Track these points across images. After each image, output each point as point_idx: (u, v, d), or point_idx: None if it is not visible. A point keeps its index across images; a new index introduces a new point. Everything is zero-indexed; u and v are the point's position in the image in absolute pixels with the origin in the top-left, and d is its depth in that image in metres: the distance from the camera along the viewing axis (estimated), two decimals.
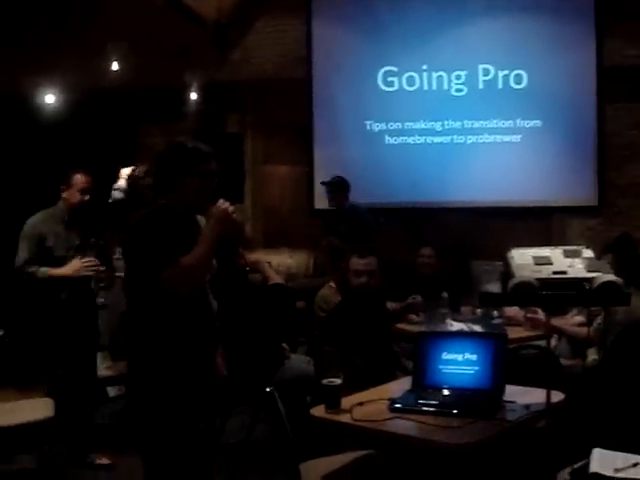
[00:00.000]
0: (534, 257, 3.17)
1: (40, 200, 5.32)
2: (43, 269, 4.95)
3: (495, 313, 5.71)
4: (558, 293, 3.08)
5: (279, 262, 8.46)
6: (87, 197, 5.13)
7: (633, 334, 4.13)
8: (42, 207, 5.10)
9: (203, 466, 3.42)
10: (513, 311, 5.64)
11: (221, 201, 3.29)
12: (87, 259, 5.00)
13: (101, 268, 5.06)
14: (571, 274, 3.10)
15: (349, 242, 6.76)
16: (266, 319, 5.45)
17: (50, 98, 8.49)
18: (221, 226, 3.26)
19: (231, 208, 3.28)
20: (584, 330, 4.80)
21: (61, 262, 5.00)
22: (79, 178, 5.11)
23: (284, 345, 5.62)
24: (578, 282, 3.08)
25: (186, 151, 3.37)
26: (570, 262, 3.15)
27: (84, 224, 5.18)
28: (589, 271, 3.11)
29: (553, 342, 5.15)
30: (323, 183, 7.94)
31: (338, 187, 7.75)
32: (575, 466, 3.14)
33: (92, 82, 8.53)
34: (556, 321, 5.01)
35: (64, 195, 5.10)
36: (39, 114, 8.46)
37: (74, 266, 4.97)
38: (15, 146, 9.00)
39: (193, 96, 8.76)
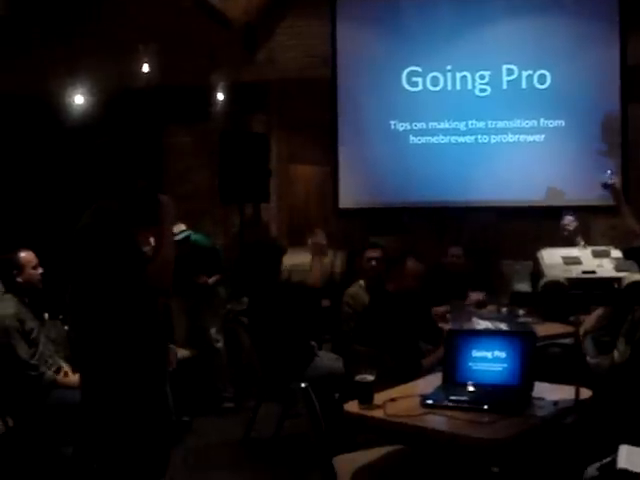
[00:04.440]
0: (564, 257, 3.24)
1: (70, 201, 5.37)
2: (49, 374, 4.92)
3: (520, 312, 5.79)
4: (587, 292, 3.14)
5: (303, 261, 8.53)
6: (41, 270, 5.13)
7: None
8: (73, 209, 5.07)
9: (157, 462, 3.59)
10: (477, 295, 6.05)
11: (164, 197, 3.54)
12: None
13: None
14: (600, 274, 3.18)
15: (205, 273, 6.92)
16: (295, 316, 5.54)
17: (79, 99, 8.62)
18: (173, 219, 3.60)
19: (172, 201, 3.58)
20: None
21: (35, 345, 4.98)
22: (26, 255, 5.08)
23: (312, 343, 5.71)
24: (607, 281, 3.14)
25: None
26: (599, 262, 3.22)
27: (38, 301, 5.18)
28: (618, 271, 3.17)
29: None
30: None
31: None
32: (603, 462, 3.19)
33: (119, 82, 8.65)
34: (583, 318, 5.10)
35: (20, 279, 5.02)
36: (67, 115, 8.59)
37: None
38: (43, 147, 9.15)
39: (219, 96, 8.84)
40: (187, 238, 6.79)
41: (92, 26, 8.63)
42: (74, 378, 4.82)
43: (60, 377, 4.98)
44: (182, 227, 6.75)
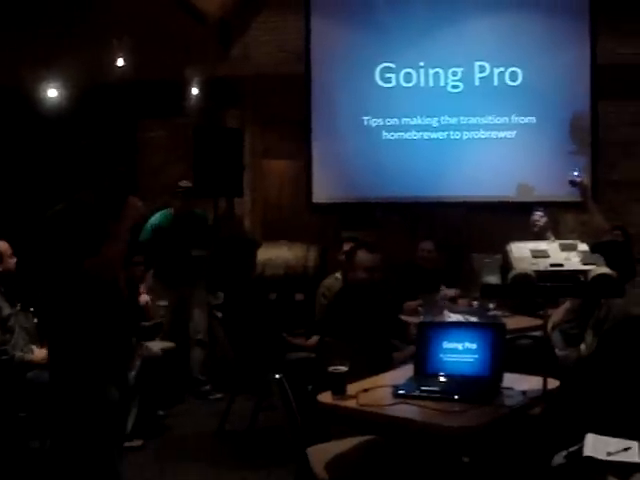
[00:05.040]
0: (532, 250, 3.31)
1: (43, 192, 5.39)
2: (18, 355, 5.04)
3: (491, 305, 5.89)
4: (555, 285, 3.22)
5: (277, 255, 8.59)
6: (15, 259, 5.25)
7: (628, 325, 4.26)
8: (45, 200, 5.06)
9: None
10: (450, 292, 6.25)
11: (133, 198, 3.65)
12: None
13: None
14: (567, 267, 3.25)
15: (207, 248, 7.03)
16: (269, 310, 5.60)
17: (52, 92, 8.59)
18: (134, 221, 3.67)
19: (141, 204, 3.69)
20: None
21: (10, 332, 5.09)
22: (2, 245, 5.19)
23: (285, 335, 5.78)
24: (574, 274, 3.22)
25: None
26: (566, 255, 3.29)
27: (12, 290, 5.29)
28: (584, 264, 3.25)
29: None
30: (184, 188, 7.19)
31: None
32: (570, 450, 3.28)
33: (93, 76, 8.62)
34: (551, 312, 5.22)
35: (0, 269, 5.14)
36: (41, 108, 8.56)
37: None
38: (17, 140, 9.11)
39: (193, 91, 8.85)
40: (189, 191, 7.05)
41: (67, 19, 8.60)
42: (40, 354, 4.91)
43: (27, 356, 5.05)
44: (189, 184, 7.11)
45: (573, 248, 3.33)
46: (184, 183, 7.13)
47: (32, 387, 4.92)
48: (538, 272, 3.18)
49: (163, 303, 6.93)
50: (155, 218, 7.04)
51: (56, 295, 3.60)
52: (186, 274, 6.94)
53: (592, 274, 3.18)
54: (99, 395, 3.54)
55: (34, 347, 5.17)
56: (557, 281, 3.22)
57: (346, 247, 6.36)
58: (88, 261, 3.44)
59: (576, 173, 6.00)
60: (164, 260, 6.95)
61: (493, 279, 4.43)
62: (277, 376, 3.49)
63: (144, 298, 6.69)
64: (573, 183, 5.96)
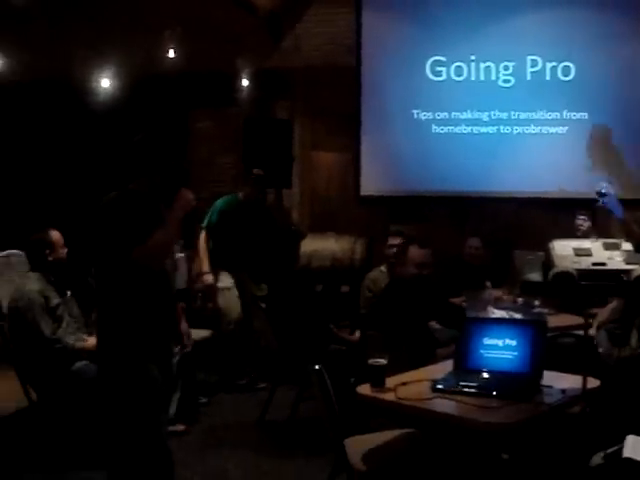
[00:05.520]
0: (575, 248, 3.29)
1: (95, 182, 5.48)
2: (71, 343, 5.10)
3: (536, 302, 5.85)
4: (597, 284, 3.20)
5: (324, 247, 8.62)
6: (66, 249, 5.30)
7: None
8: (98, 190, 5.14)
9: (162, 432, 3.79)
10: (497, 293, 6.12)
11: (185, 190, 3.65)
12: None
13: None
14: (610, 266, 3.22)
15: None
16: (311, 301, 5.64)
17: (104, 83, 8.73)
18: (184, 212, 3.64)
19: (192, 197, 3.68)
20: None
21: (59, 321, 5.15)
22: (55, 234, 5.24)
23: (332, 326, 5.82)
24: (616, 274, 3.20)
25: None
26: (609, 254, 3.27)
27: (63, 279, 5.35)
28: (627, 263, 3.23)
29: (591, 332, 5.26)
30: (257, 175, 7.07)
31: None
32: (608, 451, 3.26)
33: (145, 67, 8.74)
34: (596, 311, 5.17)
35: (51, 258, 5.18)
36: (93, 98, 8.70)
37: None
38: (70, 131, 9.28)
39: (244, 82, 8.92)
40: (261, 178, 6.97)
41: (119, 11, 8.71)
42: (92, 342, 4.98)
43: (79, 343, 5.14)
44: (261, 172, 6.99)
45: (617, 247, 3.30)
46: (257, 171, 7.02)
47: (77, 379, 5.00)
48: (580, 270, 3.17)
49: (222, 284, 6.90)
50: (220, 201, 6.99)
51: (105, 280, 3.66)
52: (247, 261, 6.89)
53: (635, 274, 3.16)
54: (141, 371, 3.59)
55: (86, 337, 5.26)
56: (599, 280, 3.20)
57: (392, 240, 6.37)
58: (137, 250, 3.49)
59: (604, 184, 5.79)
60: (228, 245, 6.88)
61: (535, 276, 4.41)
62: (317, 367, 3.52)
63: (207, 279, 6.70)
64: (600, 194, 5.74)
